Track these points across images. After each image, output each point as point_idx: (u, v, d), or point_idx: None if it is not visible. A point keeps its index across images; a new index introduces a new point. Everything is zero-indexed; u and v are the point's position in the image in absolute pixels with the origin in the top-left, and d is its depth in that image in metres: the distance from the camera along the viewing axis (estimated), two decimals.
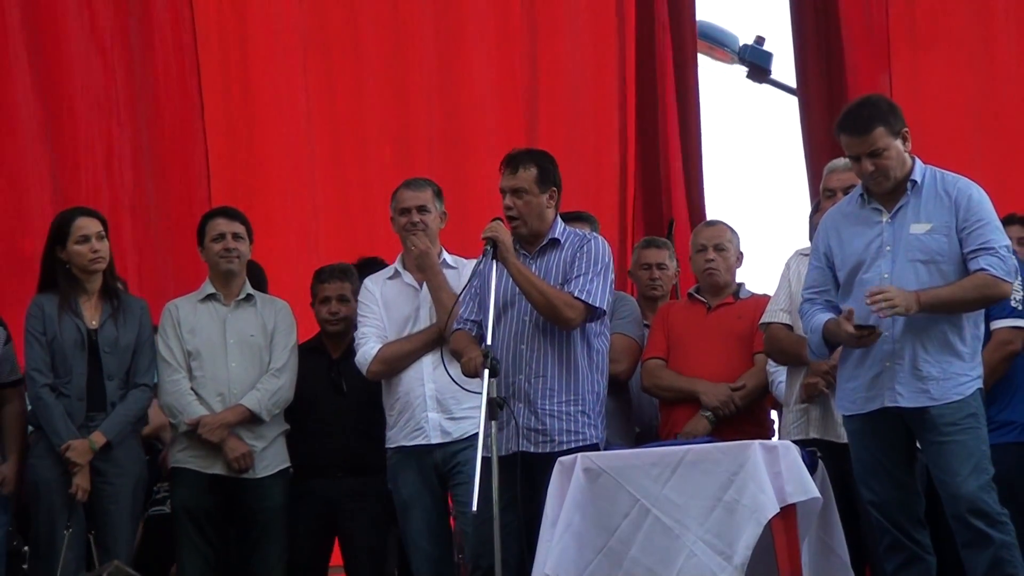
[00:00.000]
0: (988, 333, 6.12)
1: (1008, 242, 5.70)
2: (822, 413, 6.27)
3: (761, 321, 6.44)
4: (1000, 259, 5.59)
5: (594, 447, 5.93)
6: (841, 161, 6.46)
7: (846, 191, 6.19)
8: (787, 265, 6.47)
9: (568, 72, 9.42)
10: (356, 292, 7.07)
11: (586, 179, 9.10)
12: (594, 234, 6.22)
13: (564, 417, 5.94)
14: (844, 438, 6.03)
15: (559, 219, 6.15)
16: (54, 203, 8.07)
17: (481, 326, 5.99)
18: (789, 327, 6.31)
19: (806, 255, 6.23)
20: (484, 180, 8.30)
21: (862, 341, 5.58)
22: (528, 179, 6.03)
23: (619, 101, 9.36)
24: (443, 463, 6.49)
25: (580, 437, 5.94)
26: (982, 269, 5.58)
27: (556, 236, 6.08)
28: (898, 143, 5.67)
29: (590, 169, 9.25)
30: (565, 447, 5.90)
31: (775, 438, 6.33)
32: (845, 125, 5.68)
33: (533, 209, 6.03)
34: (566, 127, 9.32)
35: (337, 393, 6.98)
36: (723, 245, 6.85)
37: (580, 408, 5.96)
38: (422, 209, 6.63)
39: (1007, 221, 6.88)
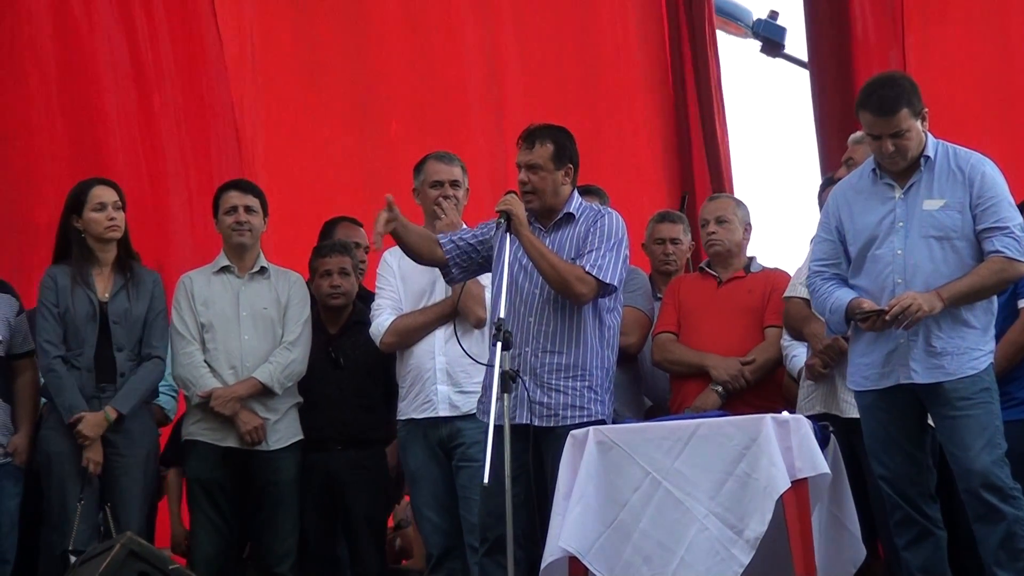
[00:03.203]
0: (1015, 310, 6.13)
1: (1021, 220, 5.68)
2: (828, 387, 6.30)
3: (784, 295, 6.46)
4: (1015, 239, 5.58)
5: (600, 423, 5.93)
6: (853, 135, 6.46)
7: (846, 163, 6.21)
8: (812, 239, 6.46)
9: (601, 44, 9.46)
10: (356, 267, 7.11)
11: (626, 154, 9.18)
12: (609, 209, 6.21)
13: (570, 392, 5.94)
14: (847, 412, 6.09)
15: (576, 194, 6.14)
16: (68, 174, 8.07)
17: (459, 245, 6.06)
18: (808, 301, 6.31)
19: None
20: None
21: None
22: (544, 155, 6.02)
23: (662, 71, 9.40)
24: (448, 439, 6.50)
25: (586, 413, 5.94)
26: (997, 251, 5.56)
27: (571, 210, 6.07)
28: (918, 123, 5.65)
29: (631, 144, 9.31)
30: (570, 422, 5.90)
31: (784, 412, 6.33)
32: (869, 104, 5.64)
33: (548, 185, 6.03)
34: (604, 100, 9.37)
35: (335, 368, 7.00)
36: (725, 217, 6.85)
37: (587, 383, 5.96)
38: (454, 184, 6.66)
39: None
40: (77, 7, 8.65)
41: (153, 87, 8.76)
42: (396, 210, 5.93)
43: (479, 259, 6.09)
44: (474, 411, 6.28)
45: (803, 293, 6.33)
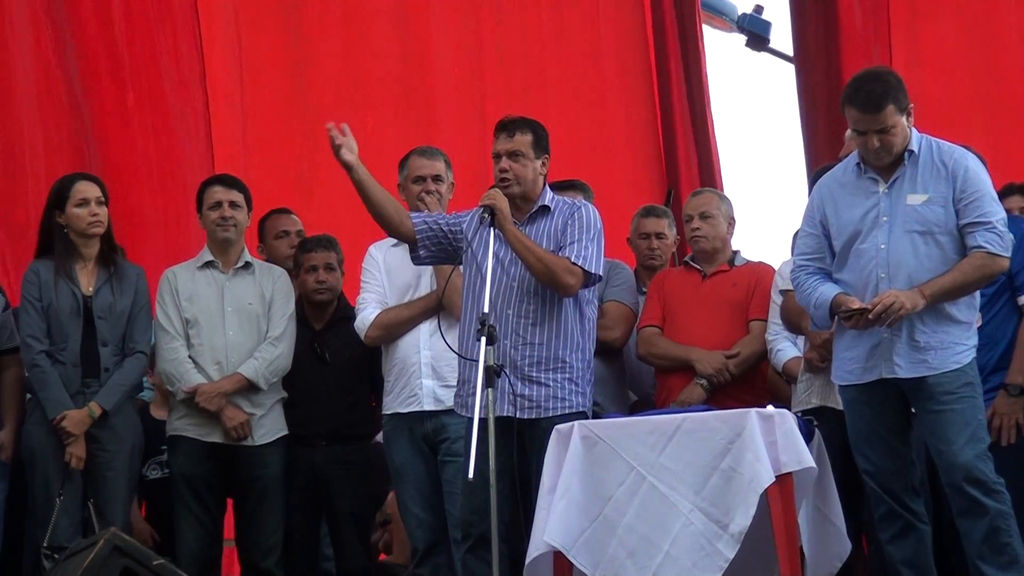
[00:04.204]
0: (1010, 307, 6.14)
1: (1004, 215, 5.69)
2: (824, 380, 6.29)
3: (781, 288, 6.46)
4: (997, 234, 5.59)
5: (581, 415, 5.95)
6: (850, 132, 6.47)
7: None
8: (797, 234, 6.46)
9: (583, 38, 9.47)
10: (341, 262, 7.10)
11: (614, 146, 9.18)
12: (584, 202, 6.24)
13: (552, 384, 5.94)
14: (843, 406, 6.06)
15: (548, 188, 6.16)
16: (48, 171, 8.07)
17: (431, 227, 6.05)
18: None
19: None
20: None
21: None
22: (524, 143, 6.04)
23: (646, 66, 9.41)
24: (433, 433, 6.50)
25: (567, 404, 5.96)
26: (980, 247, 5.57)
27: (546, 203, 6.09)
28: (903, 119, 5.65)
29: (617, 136, 9.32)
30: (552, 414, 5.91)
31: (769, 407, 6.35)
32: (856, 101, 5.63)
33: (528, 173, 6.04)
34: (587, 95, 9.38)
35: (320, 363, 6.99)
36: (709, 212, 6.86)
37: (568, 375, 5.97)
38: (437, 178, 6.65)
39: (1007, 191, 6.89)
40: (56, 5, 8.65)
41: (127, 84, 8.77)
42: (352, 140, 5.89)
43: (448, 246, 6.10)
44: None
45: None
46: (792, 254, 6.29)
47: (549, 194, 6.13)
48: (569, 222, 6.01)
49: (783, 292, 6.47)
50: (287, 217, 7.52)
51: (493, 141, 6.08)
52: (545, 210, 6.08)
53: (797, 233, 6.10)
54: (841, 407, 6.09)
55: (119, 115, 8.78)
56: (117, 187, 8.15)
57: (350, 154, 5.89)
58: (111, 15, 8.82)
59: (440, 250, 6.11)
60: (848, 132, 6.56)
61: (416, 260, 6.19)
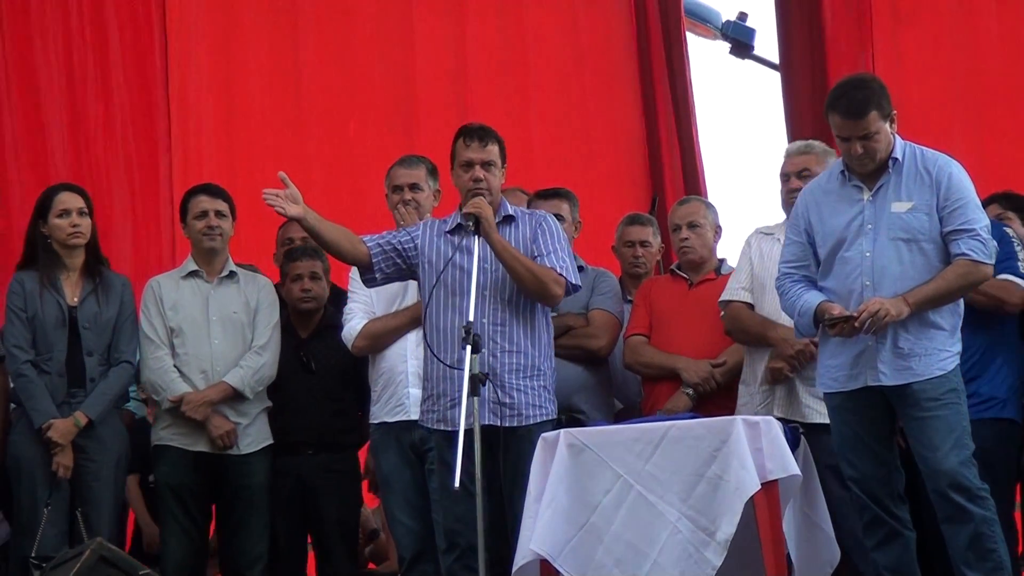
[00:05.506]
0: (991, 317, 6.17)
1: (987, 222, 5.71)
2: (787, 393, 6.27)
3: (721, 299, 6.45)
4: (981, 241, 5.60)
5: (556, 422, 6.00)
6: (795, 146, 6.51)
7: (800, 175, 6.25)
8: (747, 243, 6.50)
9: (568, 44, 9.49)
10: (327, 271, 7.10)
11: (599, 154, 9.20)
12: (544, 212, 6.25)
13: (530, 391, 5.97)
14: (809, 418, 6.11)
15: (504, 198, 6.19)
16: (22, 180, 8.08)
17: (384, 248, 6.04)
18: (750, 306, 6.33)
19: (768, 233, 6.40)
20: None
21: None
22: (495, 153, 6.09)
23: (631, 74, 9.43)
24: (420, 442, 6.49)
25: (544, 411, 6.00)
26: (963, 254, 5.58)
27: (510, 212, 6.12)
28: (887, 125, 5.67)
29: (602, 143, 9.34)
30: (531, 421, 5.94)
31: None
32: (839, 107, 5.65)
33: (497, 184, 6.09)
34: (571, 101, 9.40)
35: (306, 372, 6.99)
36: (696, 222, 6.86)
37: (542, 383, 6.01)
38: (414, 187, 6.66)
39: (986, 203, 6.91)
40: (30, 17, 8.65)
41: (98, 95, 8.78)
42: (293, 189, 5.88)
43: (403, 264, 6.11)
44: None
45: (744, 297, 6.35)
46: (741, 262, 6.35)
47: (507, 203, 6.16)
48: (539, 232, 6.05)
49: (727, 303, 6.43)
50: (295, 225, 7.51)
51: (460, 147, 6.07)
52: (509, 219, 6.10)
53: (748, 240, 6.13)
54: (808, 419, 6.12)
55: (90, 126, 8.78)
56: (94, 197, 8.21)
57: (294, 207, 5.88)
58: (81, 28, 8.82)
59: (395, 269, 6.11)
60: (785, 151, 6.61)
61: (371, 283, 6.19)
